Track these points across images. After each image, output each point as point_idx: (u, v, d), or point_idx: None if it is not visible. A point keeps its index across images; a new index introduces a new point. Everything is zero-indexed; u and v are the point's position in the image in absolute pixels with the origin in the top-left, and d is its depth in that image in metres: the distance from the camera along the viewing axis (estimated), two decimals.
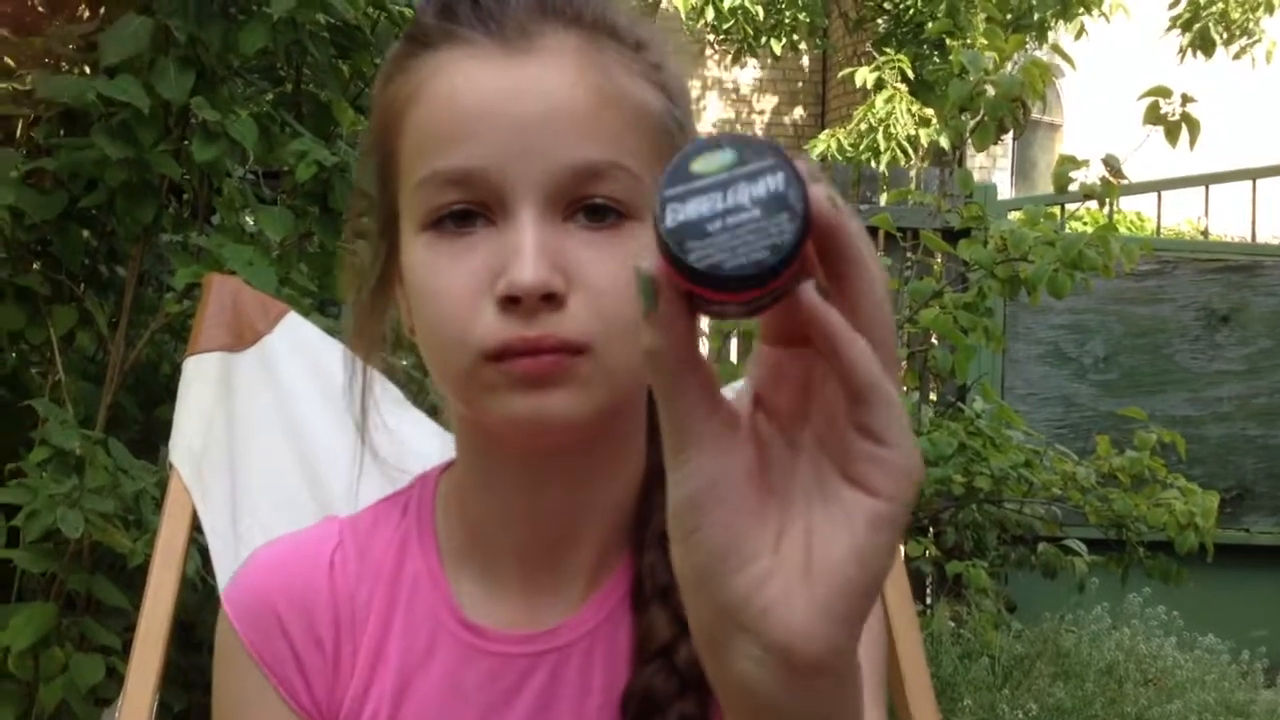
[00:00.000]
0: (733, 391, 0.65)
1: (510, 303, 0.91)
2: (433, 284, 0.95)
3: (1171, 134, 3.53)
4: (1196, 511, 3.90)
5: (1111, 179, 3.79)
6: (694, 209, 0.57)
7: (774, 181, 0.56)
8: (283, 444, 1.87)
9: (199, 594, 2.64)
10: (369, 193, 1.05)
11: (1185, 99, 3.62)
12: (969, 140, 3.88)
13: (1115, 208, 4.50)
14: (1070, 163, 3.69)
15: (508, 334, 0.91)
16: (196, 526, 1.77)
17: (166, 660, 1.72)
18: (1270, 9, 9.28)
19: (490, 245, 0.93)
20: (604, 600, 1.02)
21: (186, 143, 2.97)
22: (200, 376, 1.87)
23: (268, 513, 1.81)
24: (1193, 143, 3.48)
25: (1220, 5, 9.22)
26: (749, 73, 13.75)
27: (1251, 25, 9.40)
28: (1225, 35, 9.39)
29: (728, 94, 14.20)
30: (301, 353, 1.93)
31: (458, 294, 0.93)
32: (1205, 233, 7.24)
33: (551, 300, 0.91)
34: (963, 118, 3.90)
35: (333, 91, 3.15)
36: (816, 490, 0.60)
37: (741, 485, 0.60)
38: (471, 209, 0.94)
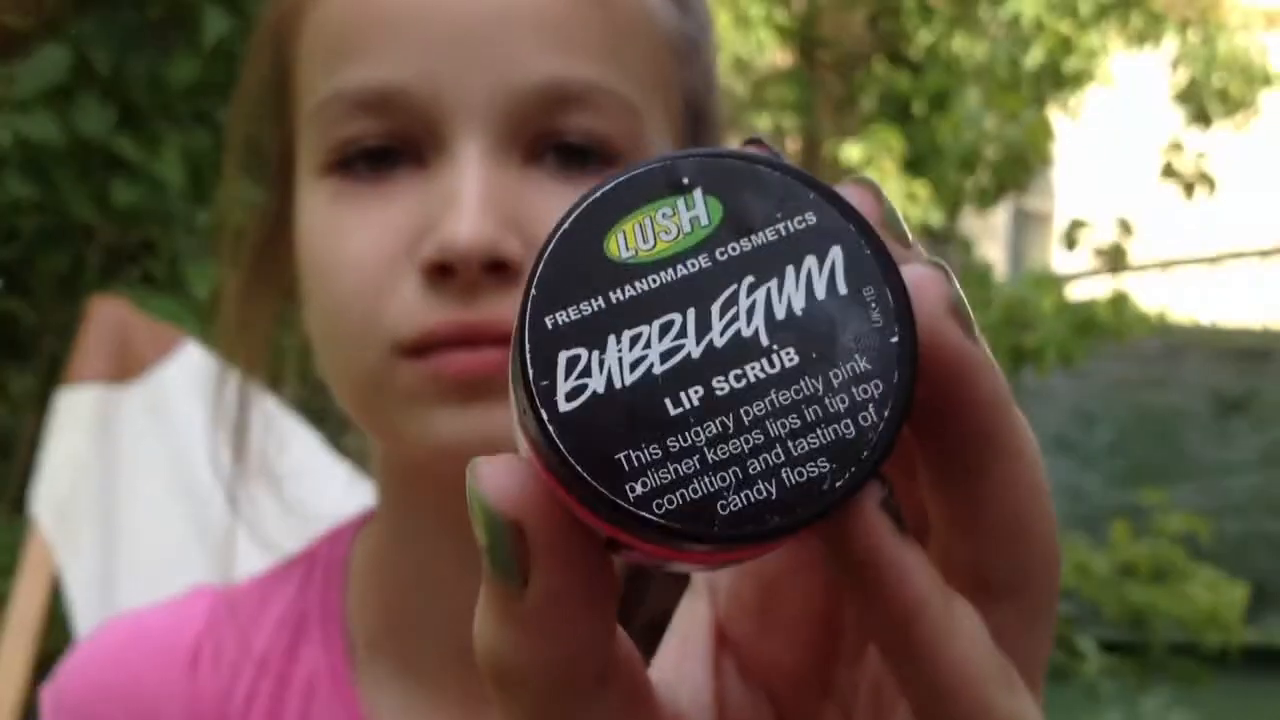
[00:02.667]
0: None
1: (439, 273, 0.64)
2: (330, 247, 0.68)
3: (1188, 190, 3.31)
4: (1222, 606, 3.62)
5: (1124, 244, 3.56)
6: (622, 361, 0.26)
7: (826, 269, 0.26)
8: (172, 494, 1.60)
9: None
10: (253, 130, 0.76)
11: (1200, 156, 3.41)
12: (967, 216, 3.67)
13: (1122, 285, 4.31)
14: (1079, 224, 3.48)
15: (433, 318, 0.65)
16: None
17: None
18: (1268, 83, 9.28)
19: (416, 194, 0.66)
20: None
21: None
22: (74, 412, 1.60)
23: (152, 578, 1.53)
24: (1210, 192, 3.26)
25: (1220, 79, 9.22)
26: None
27: (1249, 98, 9.40)
28: (1223, 108, 9.35)
29: None
30: (201, 391, 1.65)
31: (365, 260, 0.66)
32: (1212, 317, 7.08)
33: (501, 271, 0.64)
34: (962, 179, 3.70)
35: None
36: None
37: None
38: (391, 146, 0.67)
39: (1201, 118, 8.58)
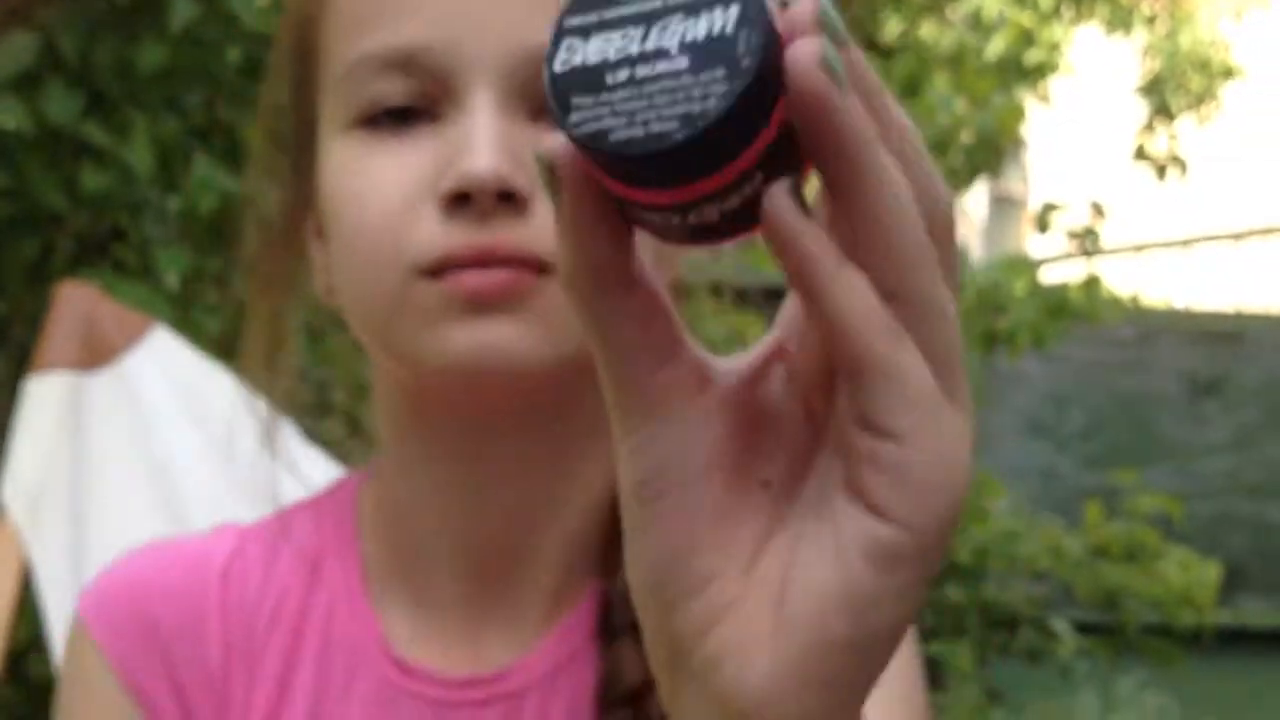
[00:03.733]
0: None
1: (458, 201, 0.73)
2: (355, 185, 0.76)
3: (1160, 172, 3.32)
4: (1195, 585, 3.63)
5: (1097, 227, 3.57)
6: (596, 49, 0.41)
7: (722, 19, 0.39)
8: (143, 483, 1.59)
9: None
10: (279, 103, 0.84)
11: (1172, 138, 3.42)
12: None
13: (1095, 268, 4.32)
14: (1051, 206, 3.48)
15: (451, 241, 0.73)
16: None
17: None
18: (1229, 75, 9.35)
19: (434, 140, 0.75)
20: (567, 634, 0.82)
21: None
22: (43, 399, 1.59)
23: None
24: (1182, 175, 3.27)
25: (1181, 74, 9.29)
26: None
27: (1213, 91, 9.47)
28: (1186, 102, 9.44)
29: None
30: (170, 376, 1.66)
31: (389, 194, 0.75)
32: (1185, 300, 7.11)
33: (511, 201, 0.73)
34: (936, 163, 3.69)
35: (245, 115, 2.89)
36: (818, 496, 0.43)
37: (707, 470, 0.44)
38: (411, 105, 0.75)
39: (1164, 110, 8.68)
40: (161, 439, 1.60)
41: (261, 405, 0.89)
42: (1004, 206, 12.83)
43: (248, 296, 0.91)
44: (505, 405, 0.78)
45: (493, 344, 0.73)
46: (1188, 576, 3.71)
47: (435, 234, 0.73)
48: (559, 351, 0.75)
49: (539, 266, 0.73)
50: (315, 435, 1.52)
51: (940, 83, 5.31)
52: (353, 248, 0.77)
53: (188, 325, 2.61)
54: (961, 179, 3.59)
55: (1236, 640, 5.50)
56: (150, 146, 2.64)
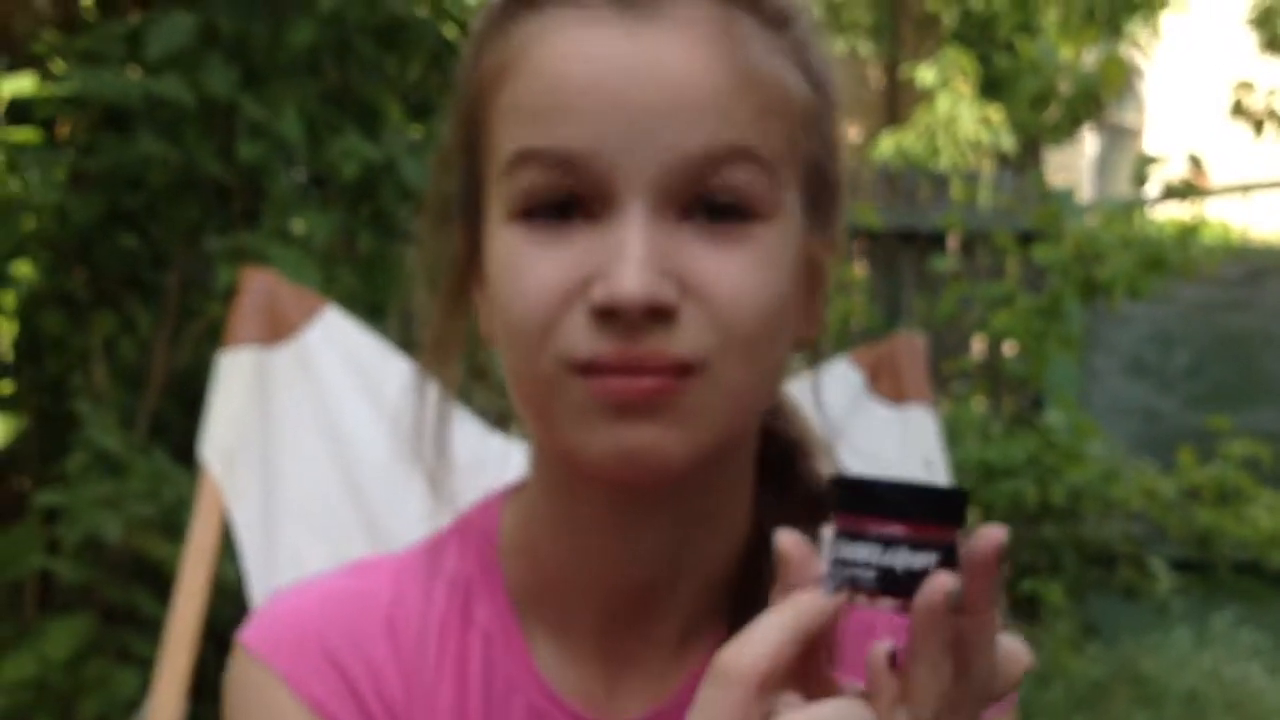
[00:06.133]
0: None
1: (606, 315, 0.77)
2: (517, 276, 0.80)
3: (1258, 127, 3.37)
4: None
5: (1194, 179, 3.62)
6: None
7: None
8: (321, 447, 1.80)
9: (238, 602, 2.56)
10: (450, 178, 0.90)
11: (1271, 93, 3.45)
12: (1044, 144, 3.74)
13: (1200, 211, 4.32)
14: (1148, 160, 3.53)
15: (600, 347, 0.77)
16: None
17: (199, 667, 1.63)
18: None
19: (589, 242, 0.79)
20: (694, 683, 0.81)
21: (233, 142, 2.90)
22: (233, 372, 1.80)
23: (306, 518, 1.73)
24: None
25: None
26: None
27: None
28: None
29: None
30: (341, 350, 1.85)
31: (544, 289, 0.79)
32: None
33: (658, 315, 0.77)
34: (1036, 115, 3.76)
35: (380, 89, 3.07)
36: None
37: None
38: (570, 200, 0.79)
39: (1274, 45, 8.35)
40: (336, 408, 1.80)
41: (432, 391, 0.92)
42: (1118, 137, 12.59)
43: (424, 354, 0.93)
44: (649, 495, 0.84)
45: (637, 449, 0.78)
46: (1277, 520, 3.78)
47: (585, 337, 0.77)
48: (700, 447, 0.79)
49: (684, 368, 0.78)
50: (469, 401, 1.71)
51: (1050, 22, 5.31)
52: (511, 340, 0.81)
53: (332, 283, 2.81)
54: (1063, 129, 3.66)
55: None
56: (298, 117, 2.81)
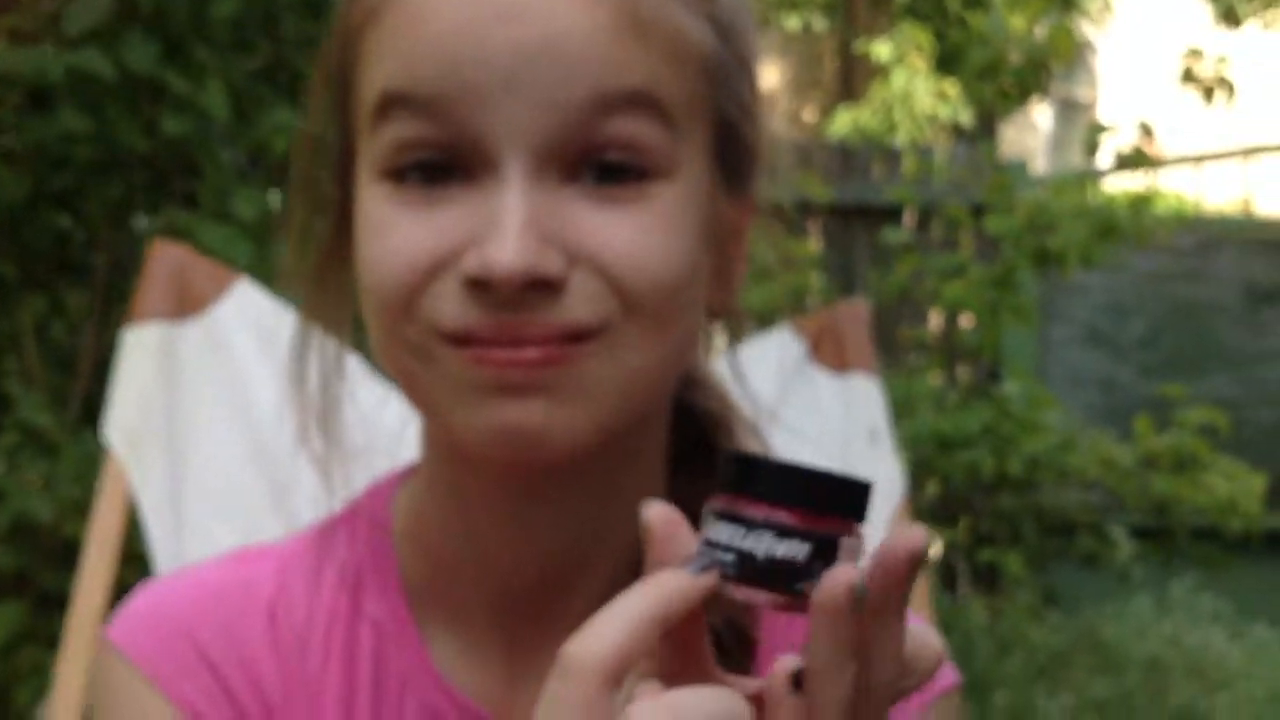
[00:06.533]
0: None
1: (480, 287, 0.70)
2: (383, 239, 0.73)
3: (1207, 95, 3.34)
4: (1240, 494, 3.70)
5: (1146, 148, 3.59)
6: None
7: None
8: (232, 426, 1.73)
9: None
10: (322, 133, 0.82)
11: (1220, 61, 3.43)
12: (997, 117, 3.71)
13: (1153, 182, 4.30)
14: (1100, 128, 3.50)
15: (472, 319, 0.71)
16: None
17: None
18: None
19: (464, 206, 0.72)
20: None
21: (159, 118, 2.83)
22: (139, 349, 1.73)
23: (216, 500, 1.67)
24: (1230, 103, 3.29)
25: None
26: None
27: None
28: (1252, 8, 9.14)
29: None
30: (254, 325, 1.79)
31: (413, 253, 0.72)
32: (1248, 208, 7.01)
33: (542, 288, 0.70)
34: (986, 86, 3.72)
35: (311, 63, 3.00)
36: None
37: None
38: (442, 161, 0.72)
39: (1229, 17, 8.40)
40: (248, 386, 1.74)
41: (314, 367, 0.86)
42: (1071, 111, 12.62)
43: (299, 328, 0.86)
44: (543, 476, 0.76)
45: (523, 428, 0.71)
46: (1234, 487, 3.77)
47: (456, 308, 0.71)
48: (595, 425, 0.73)
49: (577, 334, 0.71)
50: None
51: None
52: (374, 310, 0.75)
53: (264, 260, 2.75)
54: (1013, 101, 3.62)
55: None
56: (224, 91, 2.75)
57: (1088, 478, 3.95)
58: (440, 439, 0.80)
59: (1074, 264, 3.46)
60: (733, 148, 0.79)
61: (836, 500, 0.59)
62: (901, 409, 3.52)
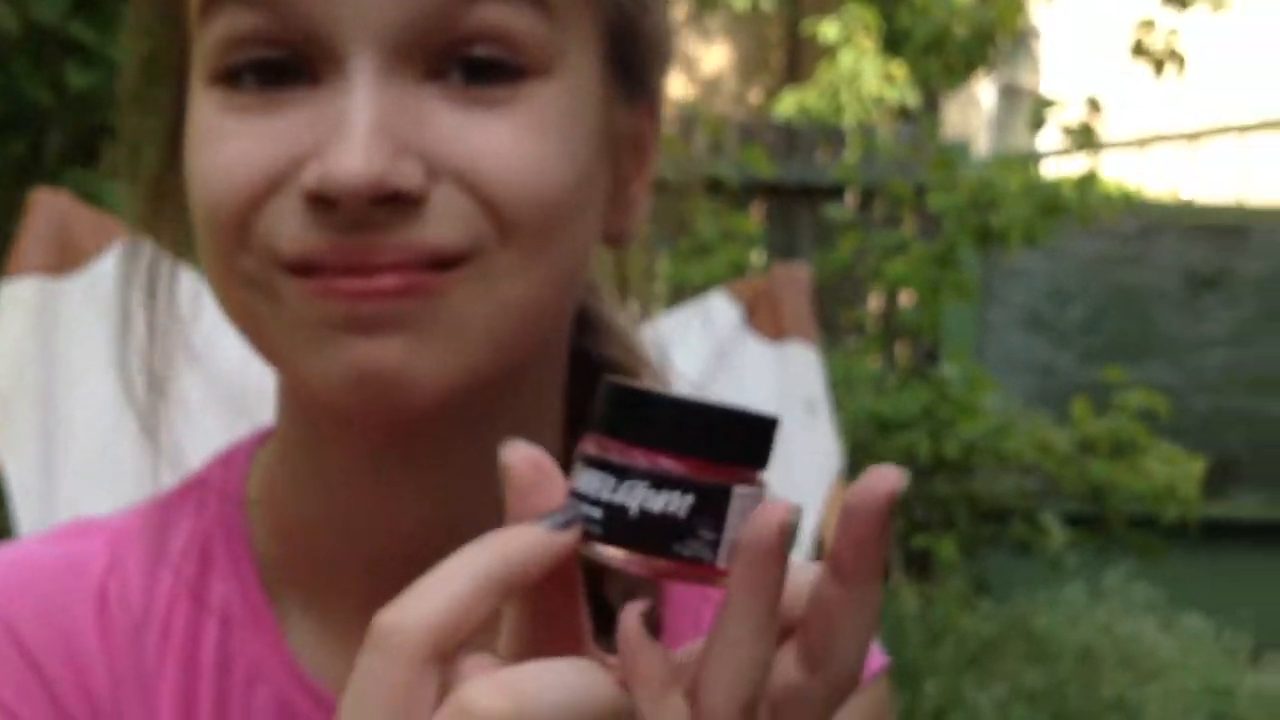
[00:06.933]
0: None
1: (322, 204, 0.60)
2: (212, 151, 0.63)
3: (1158, 68, 3.28)
4: (1179, 479, 3.66)
5: (1092, 124, 3.53)
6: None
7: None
8: (113, 392, 1.60)
9: None
10: (149, 37, 0.71)
11: (1171, 33, 3.37)
12: (941, 93, 3.64)
13: (1096, 163, 4.26)
14: (1046, 103, 3.44)
15: (316, 242, 0.61)
16: None
17: None
18: None
19: (306, 111, 0.62)
20: None
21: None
22: (14, 304, 1.62)
23: (92, 471, 1.55)
24: (1181, 75, 3.24)
25: None
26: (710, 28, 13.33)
27: None
28: None
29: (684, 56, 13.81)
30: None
31: (246, 166, 0.62)
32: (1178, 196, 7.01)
33: (397, 204, 0.60)
34: (931, 61, 3.65)
35: None
36: None
37: None
38: (282, 61, 0.63)
39: None
40: None
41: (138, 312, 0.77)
42: (1013, 97, 12.61)
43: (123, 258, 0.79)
44: (407, 428, 0.66)
45: (379, 371, 0.61)
46: (1172, 471, 3.74)
47: (296, 229, 0.62)
48: (467, 368, 0.63)
49: (442, 259, 0.61)
50: None
51: None
52: (203, 233, 0.65)
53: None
54: (958, 74, 3.55)
55: (1229, 533, 5.50)
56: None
57: (1024, 462, 3.90)
58: (291, 391, 0.71)
59: (1017, 242, 3.40)
60: (627, 42, 0.69)
61: (731, 442, 0.48)
62: (841, 390, 3.45)
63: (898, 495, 0.49)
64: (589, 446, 0.49)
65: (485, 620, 0.47)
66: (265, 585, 0.73)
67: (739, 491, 0.48)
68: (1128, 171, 8.44)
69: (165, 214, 0.73)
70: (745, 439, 0.49)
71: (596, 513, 0.48)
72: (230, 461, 0.78)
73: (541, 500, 0.49)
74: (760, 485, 0.49)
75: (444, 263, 0.61)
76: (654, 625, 0.47)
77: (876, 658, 0.79)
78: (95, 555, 0.74)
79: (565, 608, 0.50)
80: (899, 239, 3.64)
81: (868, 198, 4.54)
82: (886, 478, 0.49)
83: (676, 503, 0.47)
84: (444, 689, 0.46)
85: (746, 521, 0.47)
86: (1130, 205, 4.12)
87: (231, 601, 0.73)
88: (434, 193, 0.61)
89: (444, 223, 0.61)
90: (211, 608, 0.73)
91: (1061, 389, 5.51)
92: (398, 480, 0.69)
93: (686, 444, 0.47)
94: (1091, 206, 3.40)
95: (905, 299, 4.04)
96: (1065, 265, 5.56)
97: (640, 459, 0.48)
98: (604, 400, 0.49)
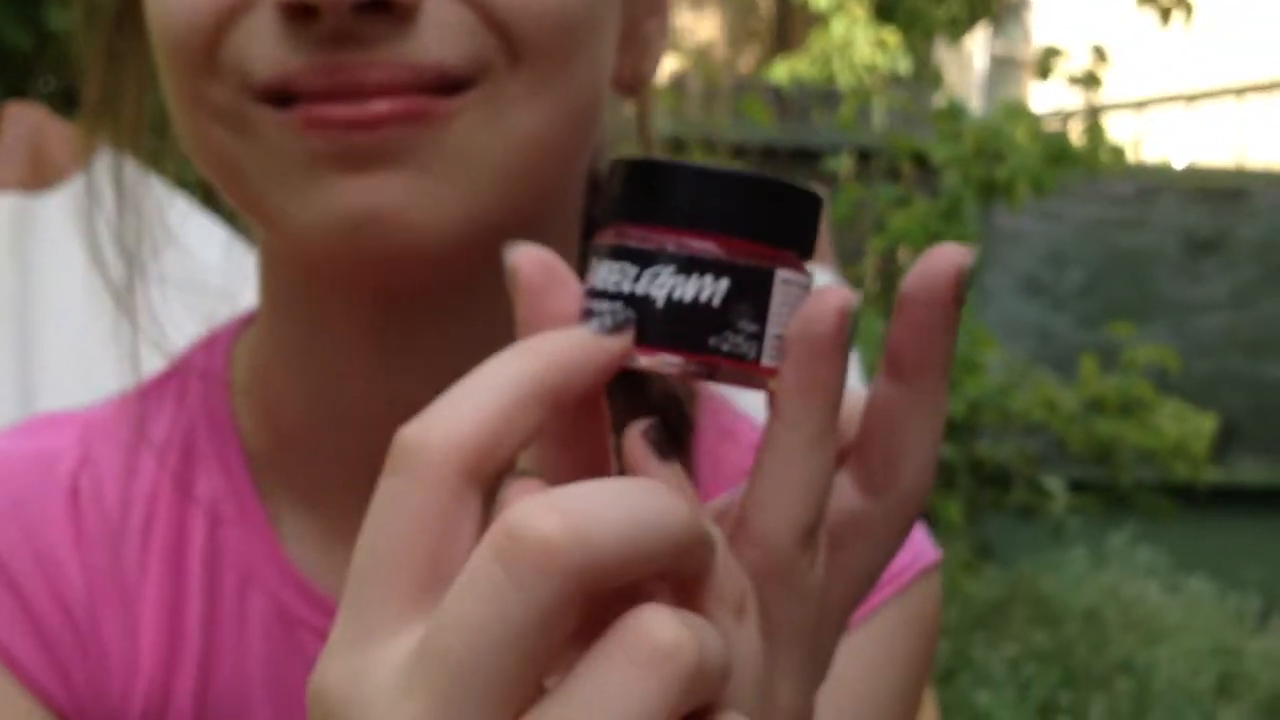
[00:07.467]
0: None
1: (299, 14, 0.52)
2: None
3: (1164, 16, 3.21)
4: (1190, 436, 3.60)
5: (1097, 73, 3.46)
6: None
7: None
8: (91, 310, 1.52)
9: None
10: None
11: None
12: (932, 63, 3.56)
13: (1098, 118, 4.20)
14: (1052, 51, 3.37)
15: (293, 61, 0.53)
16: None
17: None
18: None
19: None
20: None
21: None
22: None
23: (69, 391, 1.45)
24: (1188, 23, 3.16)
25: None
26: None
27: None
28: None
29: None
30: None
31: None
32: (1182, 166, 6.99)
33: (386, 14, 0.52)
34: (933, 11, 3.57)
35: None
36: None
37: None
38: None
39: None
40: None
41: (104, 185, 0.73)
42: (1005, 68, 12.60)
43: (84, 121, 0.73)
44: (407, 283, 0.59)
45: (378, 211, 0.53)
46: (1182, 428, 3.67)
47: (270, 47, 0.53)
48: (473, 206, 0.55)
49: (445, 81, 0.53)
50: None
51: None
52: (166, 64, 0.57)
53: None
54: (960, 27, 3.47)
55: (1230, 497, 5.47)
56: None
57: (1031, 421, 3.83)
58: (274, 252, 0.63)
59: (1024, 192, 3.31)
60: None
61: (771, 218, 0.39)
62: None
63: (966, 276, 0.39)
64: (606, 236, 0.40)
65: (526, 439, 0.37)
66: (255, 480, 0.67)
67: (782, 276, 0.39)
68: (1125, 134, 8.43)
69: (125, 75, 0.66)
70: (787, 215, 0.40)
71: (618, 308, 0.39)
72: (213, 345, 0.70)
73: (556, 305, 0.40)
74: (806, 274, 0.40)
75: (446, 86, 0.53)
76: (666, 443, 0.38)
77: (928, 551, 0.71)
78: (65, 449, 0.67)
79: (593, 432, 0.41)
80: (901, 192, 3.56)
81: (865, 161, 4.48)
82: (952, 255, 0.39)
83: (710, 288, 0.39)
84: (484, 517, 0.36)
85: (796, 312, 0.39)
86: (1129, 169, 4.05)
87: (219, 498, 0.66)
88: (429, 5, 0.53)
89: (442, 36, 0.53)
90: (198, 501, 0.66)
91: (1060, 353, 5.47)
92: (397, 355, 0.61)
93: (718, 220, 0.39)
94: (1100, 156, 3.32)
95: (904, 256, 3.97)
96: (1063, 229, 5.52)
97: (666, 241, 0.39)
98: (618, 180, 0.40)
